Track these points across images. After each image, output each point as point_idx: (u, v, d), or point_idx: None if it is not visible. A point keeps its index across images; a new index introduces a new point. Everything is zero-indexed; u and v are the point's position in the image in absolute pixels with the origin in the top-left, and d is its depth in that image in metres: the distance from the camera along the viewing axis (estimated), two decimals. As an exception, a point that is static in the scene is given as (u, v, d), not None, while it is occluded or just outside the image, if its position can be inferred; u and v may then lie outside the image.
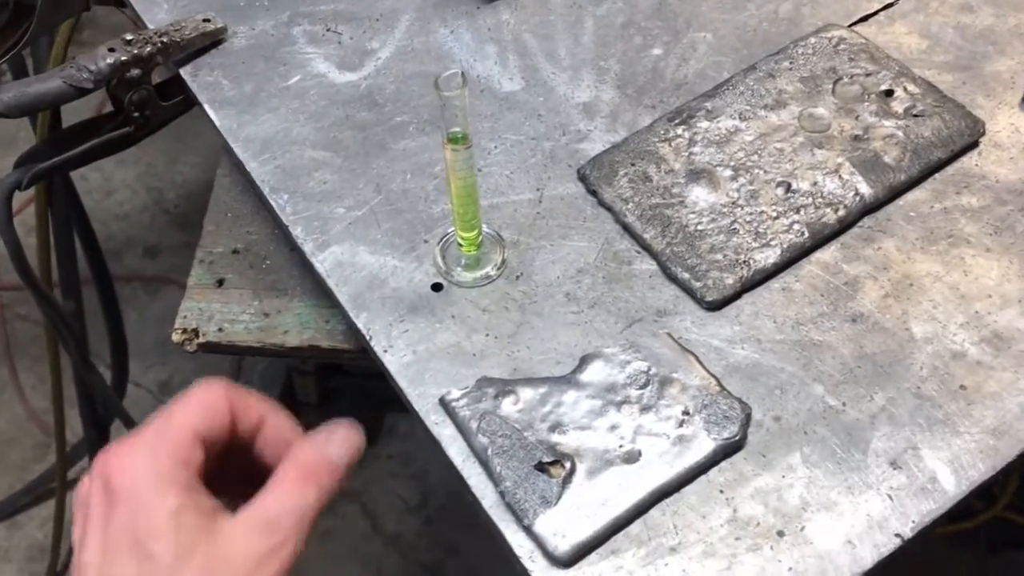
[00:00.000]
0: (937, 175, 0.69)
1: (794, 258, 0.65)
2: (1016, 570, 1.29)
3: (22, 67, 1.00)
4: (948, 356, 0.60)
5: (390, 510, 1.63)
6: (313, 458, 0.48)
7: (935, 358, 0.60)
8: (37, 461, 1.67)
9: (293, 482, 0.47)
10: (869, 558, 0.53)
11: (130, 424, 1.24)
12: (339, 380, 1.53)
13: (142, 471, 0.45)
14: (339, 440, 0.50)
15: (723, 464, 0.57)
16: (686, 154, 0.69)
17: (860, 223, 0.66)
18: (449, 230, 0.66)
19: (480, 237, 0.65)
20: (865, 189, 0.67)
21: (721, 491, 0.56)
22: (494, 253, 0.66)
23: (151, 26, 0.79)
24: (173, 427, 0.47)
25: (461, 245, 0.65)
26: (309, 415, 1.70)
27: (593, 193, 0.69)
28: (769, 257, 0.64)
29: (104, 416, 1.23)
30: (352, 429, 0.51)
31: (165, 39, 0.74)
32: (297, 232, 0.68)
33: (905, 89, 0.72)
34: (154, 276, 1.95)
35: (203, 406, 0.48)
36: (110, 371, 1.29)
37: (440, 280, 0.65)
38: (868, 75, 0.73)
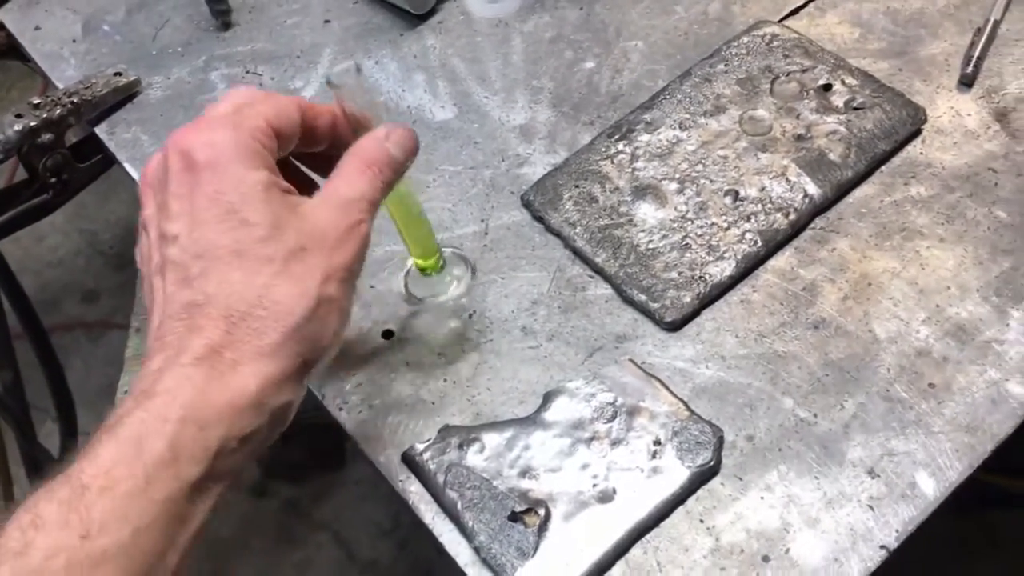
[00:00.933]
0: (883, 168, 0.68)
1: (750, 268, 0.63)
2: (990, 529, 1.31)
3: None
4: (914, 354, 0.59)
5: (363, 536, 1.60)
6: (374, 150, 0.49)
7: (901, 358, 0.59)
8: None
9: (358, 171, 0.48)
10: (856, 573, 0.52)
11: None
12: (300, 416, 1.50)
13: (228, 144, 0.45)
14: (396, 137, 0.50)
15: (700, 492, 0.55)
16: (629, 170, 0.68)
17: (812, 225, 0.65)
18: (408, 263, 0.65)
19: (440, 259, 0.63)
20: (813, 190, 0.65)
21: (701, 520, 0.54)
22: (458, 268, 0.65)
23: (60, 84, 0.76)
24: (250, 114, 0.47)
25: (424, 270, 0.63)
26: (272, 450, 1.67)
27: (539, 219, 0.67)
28: (724, 270, 0.63)
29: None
30: (409, 132, 0.51)
31: (75, 99, 0.71)
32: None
33: (843, 82, 0.71)
34: (96, 321, 1.89)
35: (273, 101, 0.48)
36: (57, 424, 1.24)
37: (391, 328, 0.63)
38: (805, 71, 0.72)
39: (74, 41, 0.81)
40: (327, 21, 0.80)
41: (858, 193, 0.67)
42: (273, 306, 0.43)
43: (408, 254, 0.63)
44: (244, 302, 0.43)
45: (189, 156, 0.45)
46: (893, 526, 0.53)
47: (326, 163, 0.50)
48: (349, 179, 0.48)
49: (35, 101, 0.70)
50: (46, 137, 0.70)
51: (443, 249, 0.63)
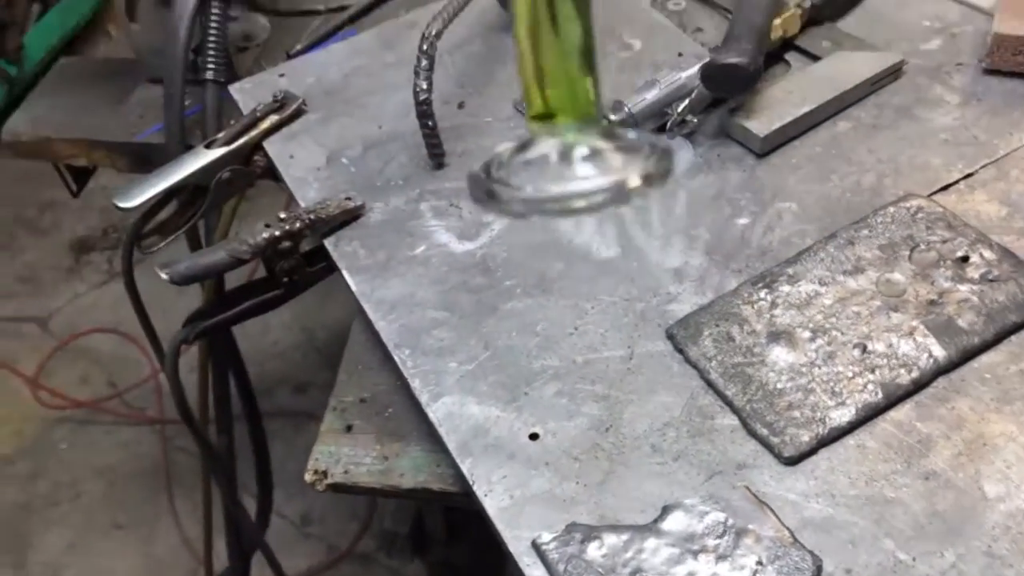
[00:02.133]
0: (1013, 337, 0.72)
1: (869, 416, 0.69)
2: None
3: (195, 234, 1.16)
4: (1021, 516, 0.62)
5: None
6: None
7: (1007, 518, 0.62)
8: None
9: None
10: None
11: (271, 558, 1.34)
12: (464, 516, 1.60)
13: None
14: None
15: (793, 613, 0.60)
16: (768, 316, 0.75)
17: (934, 383, 0.70)
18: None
19: (593, 103, 0.41)
20: (939, 352, 0.70)
21: (792, 639, 0.59)
22: (635, 146, 0.42)
23: (302, 203, 0.93)
24: None
25: (544, 115, 0.41)
26: (437, 550, 1.77)
27: (680, 351, 0.75)
28: (844, 415, 0.68)
29: (248, 548, 1.33)
30: None
31: (312, 216, 0.87)
32: (415, 384, 0.77)
33: (981, 255, 0.76)
34: (301, 411, 2.09)
35: None
36: (256, 501, 1.40)
37: (537, 431, 0.72)
38: (945, 242, 0.77)
39: (318, 169, 0.98)
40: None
41: (984, 359, 0.71)
42: None
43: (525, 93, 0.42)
44: None
45: None
46: (978, 674, 0.56)
47: None
48: None
49: (282, 216, 0.86)
50: (286, 244, 0.86)
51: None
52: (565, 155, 0.41)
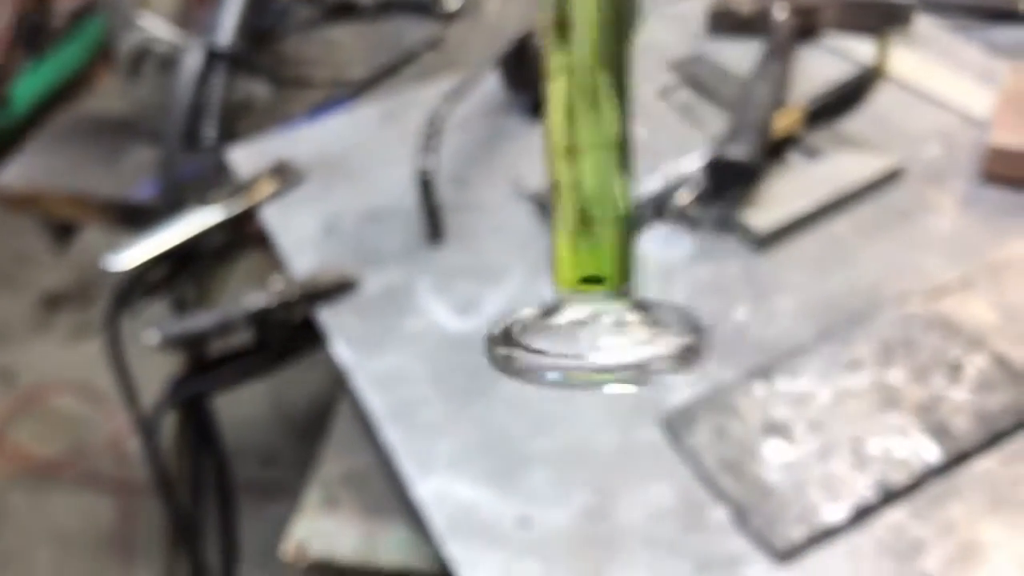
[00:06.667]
0: (1005, 444, 0.72)
1: (862, 515, 0.68)
2: None
3: (180, 299, 1.15)
4: (1016, 626, 0.62)
5: None
6: None
7: (1002, 627, 0.62)
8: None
9: None
10: None
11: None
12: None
13: None
14: None
15: None
16: (763, 409, 0.75)
17: (928, 485, 0.70)
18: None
19: (627, 275, 0.37)
20: (933, 455, 0.70)
21: None
22: (665, 320, 0.38)
23: (296, 272, 0.92)
24: None
25: (571, 269, 0.36)
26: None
27: (675, 441, 0.75)
28: (838, 513, 0.68)
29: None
30: None
31: (307, 287, 0.86)
32: (403, 462, 0.76)
33: (975, 362, 0.76)
34: (270, 483, 2.05)
35: None
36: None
37: (527, 511, 0.71)
38: (940, 347, 0.78)
39: (314, 239, 0.98)
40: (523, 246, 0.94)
41: (977, 464, 0.71)
42: None
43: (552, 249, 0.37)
44: None
45: None
46: None
47: None
48: None
49: (277, 283, 0.86)
50: (279, 313, 0.85)
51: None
52: (594, 324, 0.37)
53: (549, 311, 0.37)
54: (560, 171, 0.34)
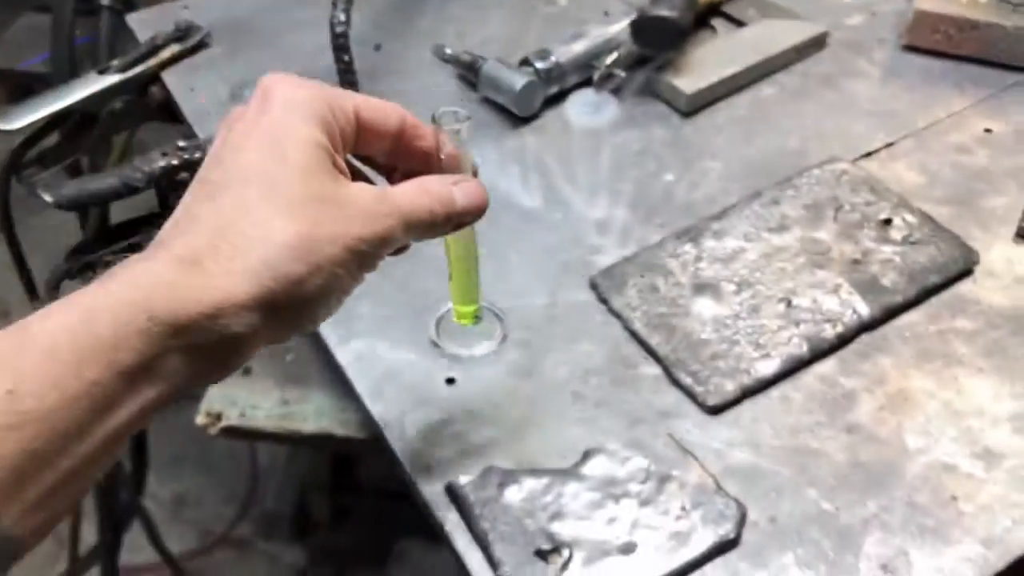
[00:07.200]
0: (933, 299, 0.72)
1: (793, 369, 0.67)
2: None
3: (77, 170, 1.07)
4: (940, 468, 0.62)
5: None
6: (439, 185, 0.51)
7: (927, 469, 0.62)
8: (46, 572, 1.67)
9: (415, 190, 0.50)
10: (860, 662, 0.54)
11: (151, 527, 1.25)
12: (352, 499, 1.54)
13: (304, 100, 0.47)
14: (465, 187, 0.51)
15: (717, 560, 0.58)
16: (692, 269, 0.74)
17: (858, 339, 0.69)
18: (441, 310, 0.71)
19: (478, 311, 0.65)
20: (863, 308, 0.70)
21: (715, 588, 0.57)
22: (491, 327, 0.70)
23: (202, 136, 0.86)
24: (343, 94, 0.49)
25: (460, 318, 0.65)
26: (321, 536, 1.70)
27: (603, 301, 0.73)
28: (768, 367, 0.67)
29: (120, 521, 1.24)
30: (479, 188, 0.52)
31: (215, 146, 0.81)
32: (323, 327, 0.72)
33: (903, 219, 0.76)
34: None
35: (377, 102, 0.51)
36: (130, 475, 1.31)
37: (453, 372, 0.68)
38: (868, 204, 0.77)
39: (221, 103, 0.92)
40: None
41: (905, 318, 0.71)
42: (267, 232, 0.43)
43: (449, 299, 0.66)
44: (242, 220, 0.43)
45: (269, 93, 0.47)
46: (900, 621, 0.55)
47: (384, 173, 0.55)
48: (403, 189, 0.50)
49: (181, 144, 0.80)
50: (184, 175, 0.79)
51: (483, 304, 0.66)
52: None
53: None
54: (450, 264, 0.62)
